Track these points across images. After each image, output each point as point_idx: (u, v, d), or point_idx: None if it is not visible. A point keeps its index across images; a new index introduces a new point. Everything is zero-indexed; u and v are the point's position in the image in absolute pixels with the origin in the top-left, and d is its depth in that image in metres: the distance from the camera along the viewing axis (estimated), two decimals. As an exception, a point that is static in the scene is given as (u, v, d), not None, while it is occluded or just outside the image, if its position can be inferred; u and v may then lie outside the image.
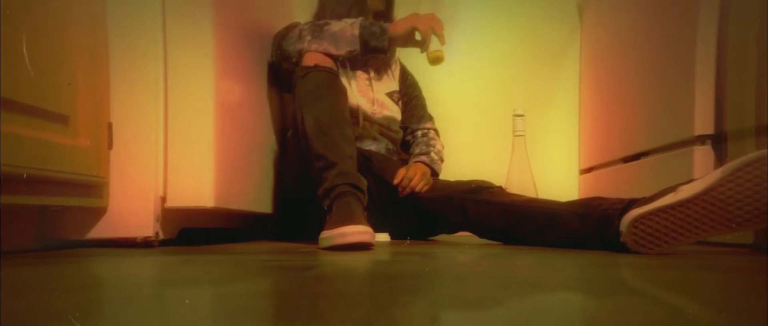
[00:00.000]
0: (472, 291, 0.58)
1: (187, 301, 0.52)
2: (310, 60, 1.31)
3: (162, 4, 1.10)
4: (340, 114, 1.25)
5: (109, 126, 1.08)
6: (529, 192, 1.55)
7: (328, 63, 1.31)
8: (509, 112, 1.71)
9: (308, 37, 1.34)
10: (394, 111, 1.59)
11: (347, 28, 1.34)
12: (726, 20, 1.21)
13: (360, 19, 1.37)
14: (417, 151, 1.60)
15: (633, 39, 1.64)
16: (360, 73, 1.54)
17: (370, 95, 1.53)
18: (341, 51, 1.34)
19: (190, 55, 1.11)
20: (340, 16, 1.45)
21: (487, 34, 2.07)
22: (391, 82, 1.62)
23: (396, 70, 1.66)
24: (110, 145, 1.08)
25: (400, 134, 1.64)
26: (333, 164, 1.17)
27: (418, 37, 1.35)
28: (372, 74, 1.57)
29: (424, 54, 1.34)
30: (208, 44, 1.12)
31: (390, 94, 1.59)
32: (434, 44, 1.32)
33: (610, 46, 1.81)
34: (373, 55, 1.39)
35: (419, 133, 1.66)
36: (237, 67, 1.28)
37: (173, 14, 1.11)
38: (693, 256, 0.95)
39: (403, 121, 1.64)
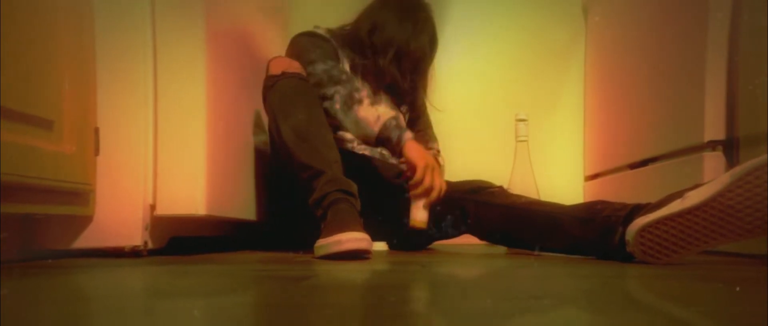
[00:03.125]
0: (473, 302, 0.57)
1: (177, 314, 0.51)
2: (276, 67, 1.26)
3: (151, 6, 1.09)
4: (317, 119, 1.22)
5: (96, 131, 1.06)
6: (533, 199, 1.51)
7: (295, 68, 1.27)
8: (512, 116, 1.69)
9: (337, 106, 1.28)
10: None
11: (372, 121, 1.27)
12: (738, 19, 1.19)
13: (388, 118, 1.27)
14: None
15: (640, 40, 1.61)
16: (366, 86, 1.47)
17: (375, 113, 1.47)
18: (356, 134, 1.34)
19: (181, 57, 1.09)
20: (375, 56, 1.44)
21: (489, 35, 2.05)
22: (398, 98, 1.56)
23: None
24: (97, 151, 1.06)
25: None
26: (320, 172, 1.14)
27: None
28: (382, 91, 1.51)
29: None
30: (198, 46, 1.10)
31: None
32: (420, 211, 1.23)
33: (616, 48, 1.79)
34: None
35: None
36: (229, 69, 1.26)
37: (163, 15, 1.09)
38: (703, 266, 0.93)
39: None
